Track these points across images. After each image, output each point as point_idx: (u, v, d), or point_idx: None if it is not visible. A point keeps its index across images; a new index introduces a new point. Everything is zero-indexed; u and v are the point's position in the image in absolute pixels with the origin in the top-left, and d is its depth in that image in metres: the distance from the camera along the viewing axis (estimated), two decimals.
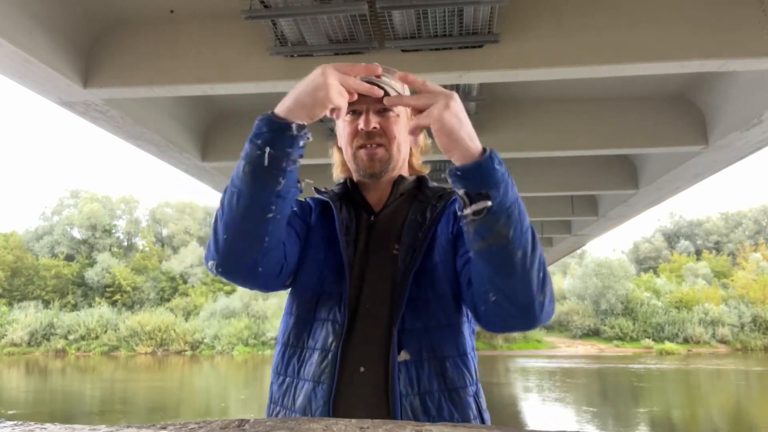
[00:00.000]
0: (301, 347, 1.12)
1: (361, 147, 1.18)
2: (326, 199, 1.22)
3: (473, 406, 1.07)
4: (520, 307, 0.96)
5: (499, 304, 0.97)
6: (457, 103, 0.95)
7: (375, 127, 1.16)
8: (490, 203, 0.90)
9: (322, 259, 1.16)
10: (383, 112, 1.18)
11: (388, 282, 1.10)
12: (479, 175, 0.92)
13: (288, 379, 1.11)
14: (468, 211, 0.92)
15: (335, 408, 1.02)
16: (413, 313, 1.07)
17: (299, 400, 1.07)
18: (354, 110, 1.18)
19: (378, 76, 1.15)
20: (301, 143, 0.99)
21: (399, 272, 1.09)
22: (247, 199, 0.98)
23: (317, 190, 1.27)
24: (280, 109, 0.99)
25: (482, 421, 1.09)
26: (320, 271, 1.15)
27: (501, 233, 0.91)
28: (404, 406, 1.01)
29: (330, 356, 1.06)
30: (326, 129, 5.44)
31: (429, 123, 0.94)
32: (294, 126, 0.97)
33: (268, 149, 0.96)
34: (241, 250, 1.01)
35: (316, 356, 1.08)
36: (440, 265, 1.11)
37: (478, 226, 0.92)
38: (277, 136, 0.96)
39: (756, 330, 36.37)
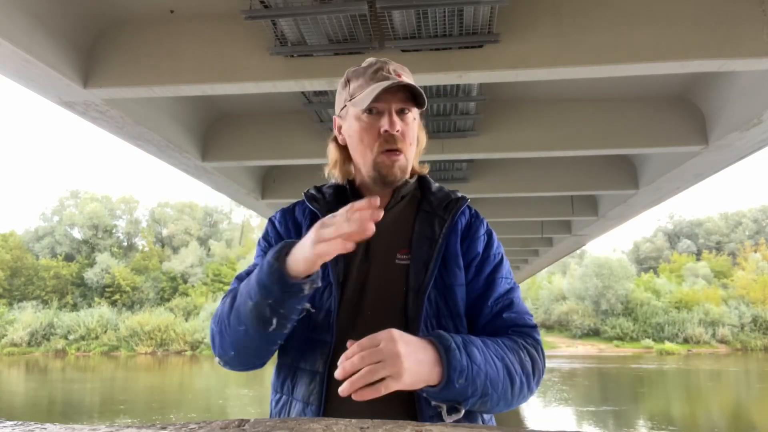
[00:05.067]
0: (294, 367, 1.10)
1: (383, 152, 1.11)
2: (316, 210, 1.16)
3: (478, 418, 1.07)
4: (507, 409, 1.04)
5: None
6: (400, 337, 0.89)
7: (398, 131, 1.10)
8: (462, 411, 0.96)
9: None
10: (402, 113, 1.12)
11: (397, 294, 1.07)
12: (445, 397, 0.93)
13: (284, 397, 1.10)
14: (448, 420, 0.96)
15: None
16: (426, 331, 1.04)
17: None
18: (371, 109, 1.11)
19: (399, 75, 1.12)
20: (309, 291, 0.96)
21: (412, 290, 1.06)
22: (255, 339, 1.01)
23: (308, 197, 1.20)
24: (291, 266, 0.93)
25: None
26: None
27: (481, 410, 1.00)
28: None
29: (318, 378, 1.04)
30: (326, 129, 5.44)
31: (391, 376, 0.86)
32: (306, 287, 0.94)
33: (278, 308, 0.95)
34: (253, 359, 1.08)
35: (305, 377, 1.07)
36: (452, 281, 1.09)
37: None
38: (287, 296, 0.94)
39: (756, 330, 36.39)
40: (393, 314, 1.05)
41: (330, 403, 1.02)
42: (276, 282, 0.93)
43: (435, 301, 1.06)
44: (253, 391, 18.68)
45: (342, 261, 1.09)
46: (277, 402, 1.12)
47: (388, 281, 1.08)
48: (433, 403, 0.96)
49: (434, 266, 1.07)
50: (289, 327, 1.01)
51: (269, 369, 1.16)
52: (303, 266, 0.92)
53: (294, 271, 0.93)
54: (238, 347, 1.04)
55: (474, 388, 0.92)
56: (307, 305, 1.02)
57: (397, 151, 1.11)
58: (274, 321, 0.96)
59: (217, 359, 1.10)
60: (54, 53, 3.58)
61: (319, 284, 0.97)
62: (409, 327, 1.02)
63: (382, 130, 1.09)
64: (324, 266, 1.06)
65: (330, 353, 1.04)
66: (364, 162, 1.14)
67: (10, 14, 3.18)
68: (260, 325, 0.97)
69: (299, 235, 1.16)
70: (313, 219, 1.15)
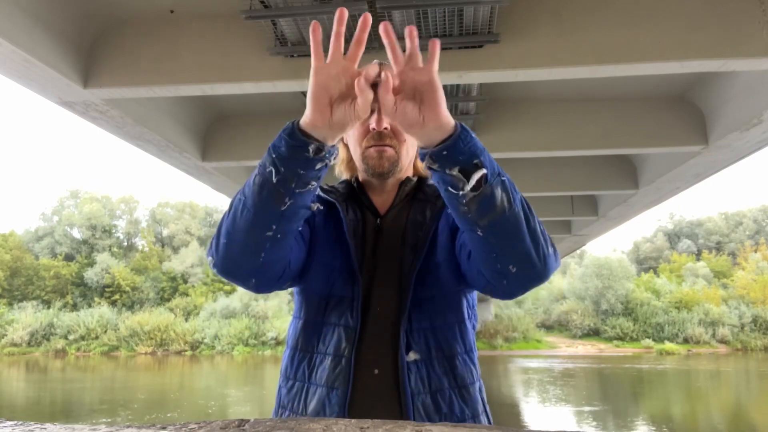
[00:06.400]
0: (311, 352, 1.11)
1: (370, 146, 1.15)
2: (332, 199, 1.18)
3: (479, 401, 1.10)
4: (538, 265, 0.93)
5: (520, 271, 0.93)
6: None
7: (386, 128, 1.13)
8: (485, 170, 0.87)
9: (330, 262, 1.14)
10: None
11: (396, 284, 1.11)
12: (467, 146, 0.88)
13: (298, 383, 1.11)
14: (469, 187, 0.87)
15: (350, 412, 1.03)
16: (420, 312, 1.09)
17: (312, 405, 1.06)
18: None
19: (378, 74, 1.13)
20: (318, 166, 0.91)
21: (403, 274, 1.10)
22: (250, 211, 0.93)
23: (322, 189, 1.23)
24: (304, 120, 0.89)
25: (487, 415, 1.13)
26: (328, 274, 1.13)
27: (503, 199, 0.88)
28: (416, 405, 1.03)
29: (344, 361, 1.05)
30: None
31: (425, 79, 0.92)
32: (311, 148, 0.88)
33: (280, 166, 0.89)
34: (237, 257, 0.98)
35: (328, 361, 1.07)
36: (443, 263, 1.11)
37: (480, 200, 0.88)
38: (293, 153, 0.88)
39: (756, 330, 36.37)
40: (391, 302, 1.10)
41: (356, 386, 1.05)
42: (286, 136, 0.89)
43: (428, 283, 1.11)
44: (254, 390, 18.68)
45: (359, 254, 1.14)
46: (290, 389, 1.12)
47: (391, 274, 1.12)
48: (452, 173, 0.88)
49: (423, 249, 1.11)
50: (289, 206, 0.92)
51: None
52: (312, 112, 0.89)
53: (306, 124, 0.89)
54: (233, 230, 0.95)
55: (489, 158, 0.90)
56: (314, 204, 1.02)
57: (385, 145, 1.14)
58: (274, 177, 0.90)
59: (209, 260, 1.01)
60: (54, 53, 3.59)
61: (329, 162, 0.93)
62: (400, 309, 1.08)
63: (370, 127, 1.13)
64: (347, 253, 1.11)
65: (356, 337, 1.07)
66: (356, 157, 1.20)
67: (10, 14, 3.18)
68: (260, 190, 0.91)
69: (313, 216, 1.18)
70: (330, 207, 1.20)
